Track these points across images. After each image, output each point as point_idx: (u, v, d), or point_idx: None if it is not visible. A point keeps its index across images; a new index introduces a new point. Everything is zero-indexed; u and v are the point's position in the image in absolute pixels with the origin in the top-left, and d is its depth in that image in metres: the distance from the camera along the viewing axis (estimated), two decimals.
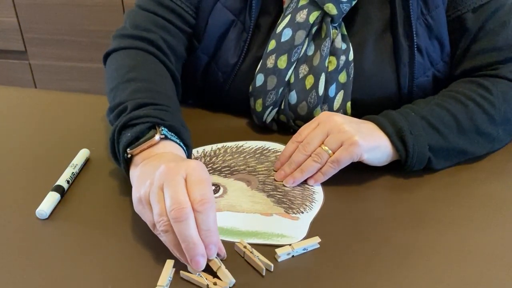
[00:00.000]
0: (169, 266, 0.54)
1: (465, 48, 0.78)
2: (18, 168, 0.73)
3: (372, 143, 0.67)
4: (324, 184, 0.69)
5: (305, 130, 0.70)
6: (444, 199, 0.66)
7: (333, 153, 0.67)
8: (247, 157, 0.74)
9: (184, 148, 0.64)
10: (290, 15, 0.76)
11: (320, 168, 0.68)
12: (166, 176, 0.53)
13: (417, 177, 0.71)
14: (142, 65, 0.74)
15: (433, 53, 0.78)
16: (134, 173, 0.60)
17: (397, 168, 0.71)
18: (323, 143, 0.67)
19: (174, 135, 0.64)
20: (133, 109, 0.65)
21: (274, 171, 0.71)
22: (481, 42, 0.77)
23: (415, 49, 0.76)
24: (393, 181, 0.70)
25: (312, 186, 0.68)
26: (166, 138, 0.62)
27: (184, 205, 0.50)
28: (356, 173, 0.71)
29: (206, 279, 0.52)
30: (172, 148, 0.62)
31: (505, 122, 0.74)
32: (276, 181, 0.69)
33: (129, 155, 0.61)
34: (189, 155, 0.66)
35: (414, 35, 0.75)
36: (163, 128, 0.62)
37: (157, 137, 0.61)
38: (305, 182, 0.69)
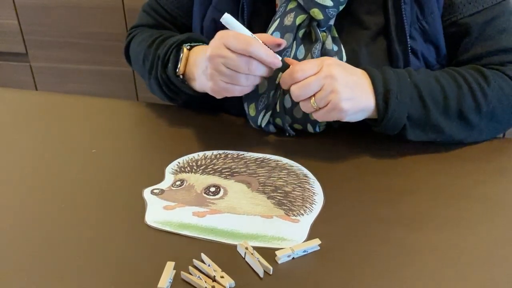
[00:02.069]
0: (169, 268, 0.54)
1: (467, 52, 0.79)
2: (18, 170, 0.73)
3: (357, 107, 0.70)
4: (324, 186, 0.69)
5: (306, 70, 0.68)
6: (444, 200, 0.66)
7: (319, 108, 0.69)
8: (248, 162, 0.74)
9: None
10: (279, 19, 0.77)
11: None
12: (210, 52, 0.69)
13: (417, 179, 0.71)
14: (152, 33, 0.89)
15: (429, 56, 0.79)
16: (198, 75, 0.76)
17: (397, 170, 0.71)
18: (314, 95, 0.68)
19: (196, 44, 0.79)
20: (160, 53, 0.80)
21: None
22: (484, 45, 0.78)
23: (410, 53, 0.76)
24: (393, 182, 0.70)
25: (312, 187, 0.68)
26: (191, 47, 0.78)
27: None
28: (356, 174, 0.71)
29: (206, 281, 0.52)
30: (200, 48, 0.77)
31: (490, 116, 0.76)
32: (276, 183, 0.69)
33: (180, 76, 0.78)
34: None
35: (408, 40, 0.75)
36: (185, 45, 0.78)
37: (186, 50, 0.77)
38: (305, 183, 0.69)
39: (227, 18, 0.68)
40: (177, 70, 0.78)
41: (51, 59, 1.90)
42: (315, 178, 0.71)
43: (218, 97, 0.73)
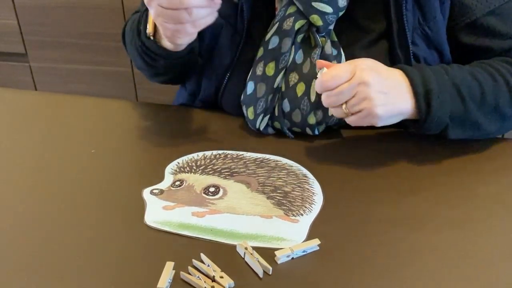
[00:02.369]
0: (169, 268, 0.54)
1: (490, 52, 0.78)
2: (17, 170, 0.73)
3: (391, 112, 0.68)
4: (323, 186, 0.69)
5: (338, 77, 0.66)
6: (444, 201, 0.66)
7: (351, 114, 0.68)
8: (247, 162, 0.74)
9: None
10: (278, 23, 0.76)
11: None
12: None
13: (417, 179, 0.71)
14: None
15: (432, 62, 0.78)
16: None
17: (397, 170, 0.71)
18: (346, 102, 0.67)
19: None
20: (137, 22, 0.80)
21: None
22: (506, 42, 0.77)
23: (412, 58, 0.75)
24: (393, 183, 0.70)
25: (312, 187, 0.68)
26: None
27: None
28: (356, 174, 0.71)
29: (205, 282, 0.52)
30: None
31: None
32: (276, 183, 0.69)
33: (151, 37, 0.76)
34: None
35: (410, 46, 0.75)
36: None
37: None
38: (305, 183, 0.69)
39: None
40: (147, 32, 0.75)
41: (50, 59, 1.90)
42: (314, 178, 0.71)
43: (178, 41, 0.71)
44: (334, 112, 0.69)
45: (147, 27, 0.76)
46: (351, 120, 0.69)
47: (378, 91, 0.66)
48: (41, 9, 1.79)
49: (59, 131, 0.84)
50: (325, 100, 0.68)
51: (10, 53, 1.94)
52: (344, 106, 0.67)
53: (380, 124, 0.68)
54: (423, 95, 0.68)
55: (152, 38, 0.77)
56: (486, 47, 0.78)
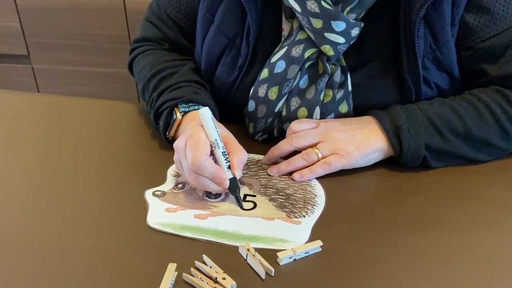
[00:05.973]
0: (171, 269, 0.54)
1: (488, 75, 0.75)
2: (20, 172, 0.73)
3: (365, 151, 0.71)
4: (325, 188, 0.69)
5: (302, 124, 0.73)
6: (446, 202, 0.66)
7: (323, 157, 0.71)
8: (249, 164, 0.74)
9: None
10: (286, 47, 0.74)
11: (307, 167, 0.71)
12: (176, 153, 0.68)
13: (419, 181, 0.71)
14: (156, 59, 0.85)
15: (441, 83, 0.76)
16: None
17: (399, 171, 0.71)
18: (315, 145, 0.71)
19: (191, 104, 0.76)
20: (156, 99, 0.79)
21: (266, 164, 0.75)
22: (508, 67, 0.74)
23: (421, 83, 0.74)
24: (395, 184, 0.70)
25: (314, 189, 0.69)
26: (186, 112, 0.76)
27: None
28: (358, 176, 0.71)
29: (207, 283, 0.52)
30: (193, 115, 0.75)
31: None
32: (278, 185, 0.69)
33: (170, 138, 0.78)
34: (212, 109, 0.75)
35: (420, 71, 0.73)
36: (180, 105, 0.76)
37: (179, 116, 0.75)
38: (307, 185, 0.69)
39: (204, 112, 0.66)
40: (167, 133, 0.77)
41: (53, 61, 1.91)
42: (316, 180, 0.71)
43: None
44: (299, 161, 0.71)
45: (169, 129, 0.77)
46: (329, 160, 0.70)
47: (345, 134, 0.71)
48: (43, 11, 1.80)
49: (61, 133, 0.85)
50: (287, 141, 0.73)
51: (13, 55, 1.94)
52: (316, 150, 0.71)
53: (358, 163, 0.71)
54: (392, 132, 0.71)
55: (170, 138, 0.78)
56: (482, 71, 0.76)
